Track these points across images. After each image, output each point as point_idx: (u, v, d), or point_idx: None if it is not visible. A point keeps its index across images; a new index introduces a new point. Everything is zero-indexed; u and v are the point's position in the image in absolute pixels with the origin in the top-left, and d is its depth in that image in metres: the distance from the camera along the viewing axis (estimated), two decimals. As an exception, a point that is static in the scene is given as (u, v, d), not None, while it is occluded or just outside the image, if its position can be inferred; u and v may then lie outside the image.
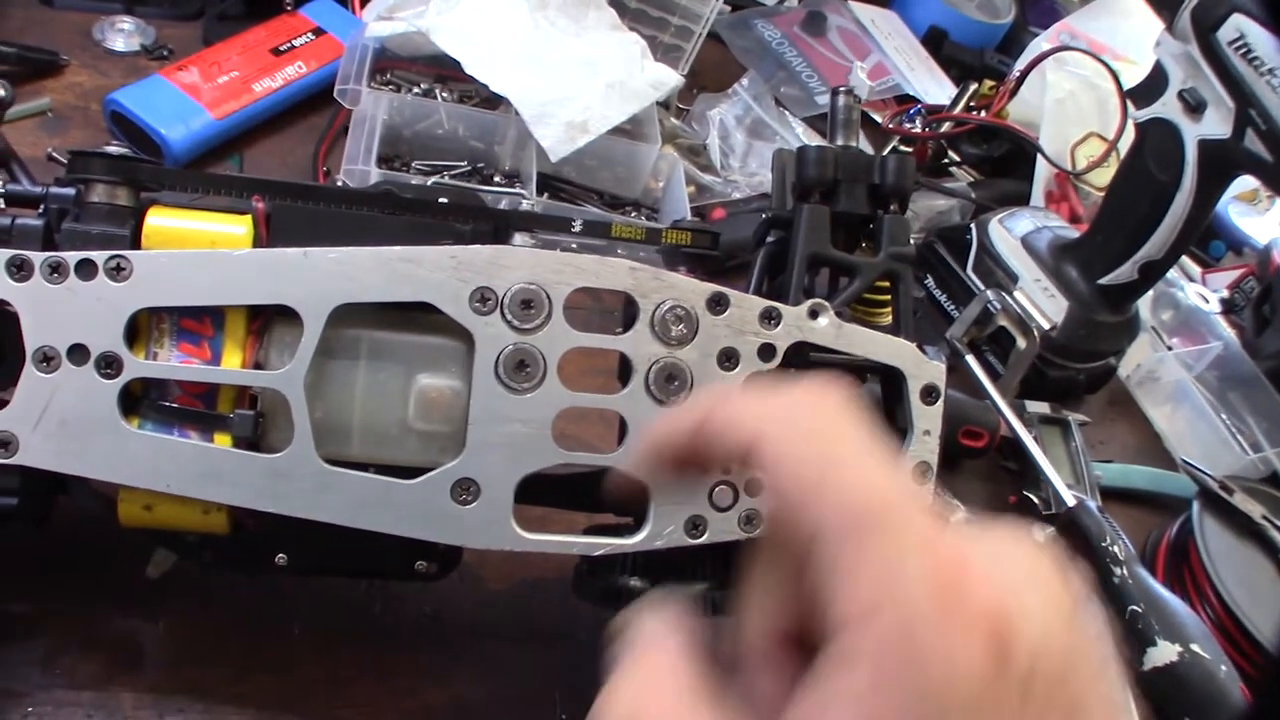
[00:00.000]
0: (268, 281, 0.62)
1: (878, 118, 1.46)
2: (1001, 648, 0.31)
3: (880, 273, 0.71)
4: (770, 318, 0.66)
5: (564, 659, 0.82)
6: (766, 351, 0.66)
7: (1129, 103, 1.07)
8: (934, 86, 1.54)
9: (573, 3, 1.21)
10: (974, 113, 1.44)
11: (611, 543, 0.67)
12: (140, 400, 0.63)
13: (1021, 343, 1.09)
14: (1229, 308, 1.39)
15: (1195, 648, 0.85)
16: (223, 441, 0.63)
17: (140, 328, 0.63)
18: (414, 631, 0.81)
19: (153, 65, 1.15)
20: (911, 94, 1.51)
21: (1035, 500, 1.04)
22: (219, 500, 0.63)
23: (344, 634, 0.79)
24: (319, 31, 1.20)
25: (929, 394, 0.69)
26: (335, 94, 1.12)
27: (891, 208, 0.72)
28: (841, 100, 0.75)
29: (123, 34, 1.17)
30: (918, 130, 1.42)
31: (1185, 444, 1.21)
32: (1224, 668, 0.85)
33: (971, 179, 1.43)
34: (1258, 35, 0.90)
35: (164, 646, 0.75)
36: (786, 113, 1.40)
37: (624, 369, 0.67)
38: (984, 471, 1.11)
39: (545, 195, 1.14)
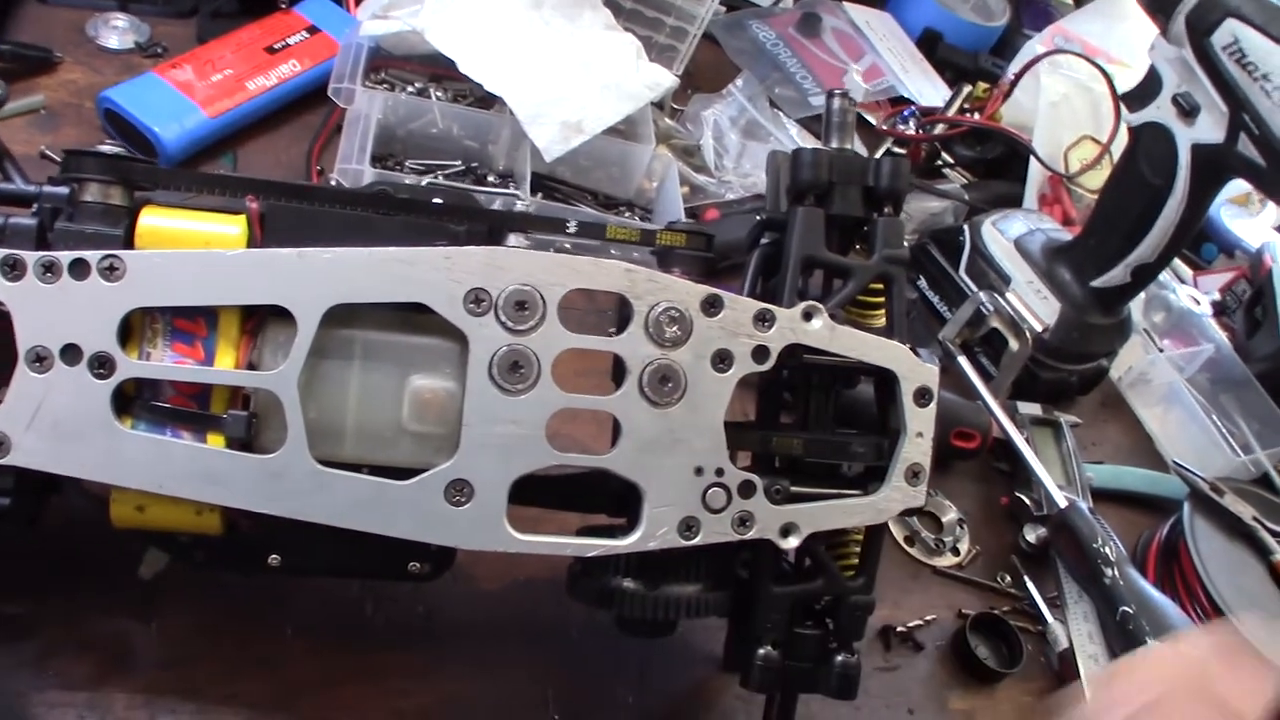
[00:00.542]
0: (261, 282, 0.62)
1: (872, 119, 1.46)
2: None
3: (874, 275, 0.71)
4: (764, 320, 0.66)
5: (557, 659, 0.83)
6: (760, 353, 0.67)
7: (1123, 106, 1.07)
8: (928, 88, 1.54)
9: (568, 2, 1.20)
10: (968, 115, 1.44)
11: (605, 544, 0.67)
12: (133, 400, 0.63)
13: (1014, 344, 1.09)
14: (1221, 310, 1.40)
15: (1186, 649, 0.85)
16: (216, 442, 0.63)
17: (133, 328, 0.63)
18: (406, 631, 0.81)
19: (146, 63, 1.14)
20: (906, 96, 1.52)
21: (1027, 501, 1.05)
22: (212, 501, 0.63)
23: (336, 634, 0.79)
24: (313, 30, 1.20)
25: (922, 396, 0.69)
26: (329, 93, 1.12)
27: (886, 210, 0.72)
28: (836, 103, 0.75)
29: (117, 31, 1.17)
30: (912, 132, 1.42)
31: (1176, 445, 1.22)
32: (1214, 669, 0.85)
33: (965, 181, 1.44)
34: (1252, 40, 0.91)
35: (156, 647, 0.75)
36: (781, 114, 1.40)
37: (618, 370, 0.67)
38: (976, 472, 1.11)
39: (539, 195, 1.14)
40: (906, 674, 0.92)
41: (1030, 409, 1.14)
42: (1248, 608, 0.96)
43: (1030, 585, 1.01)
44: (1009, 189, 1.40)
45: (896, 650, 0.94)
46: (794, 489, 0.69)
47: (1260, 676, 0.59)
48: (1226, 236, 1.49)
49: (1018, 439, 1.02)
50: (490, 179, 1.15)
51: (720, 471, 0.66)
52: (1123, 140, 1.09)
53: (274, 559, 0.69)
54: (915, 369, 0.69)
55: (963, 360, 1.06)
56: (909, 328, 0.72)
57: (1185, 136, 0.99)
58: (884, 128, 1.43)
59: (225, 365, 0.63)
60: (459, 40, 1.11)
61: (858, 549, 0.74)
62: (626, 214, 1.20)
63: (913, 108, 1.47)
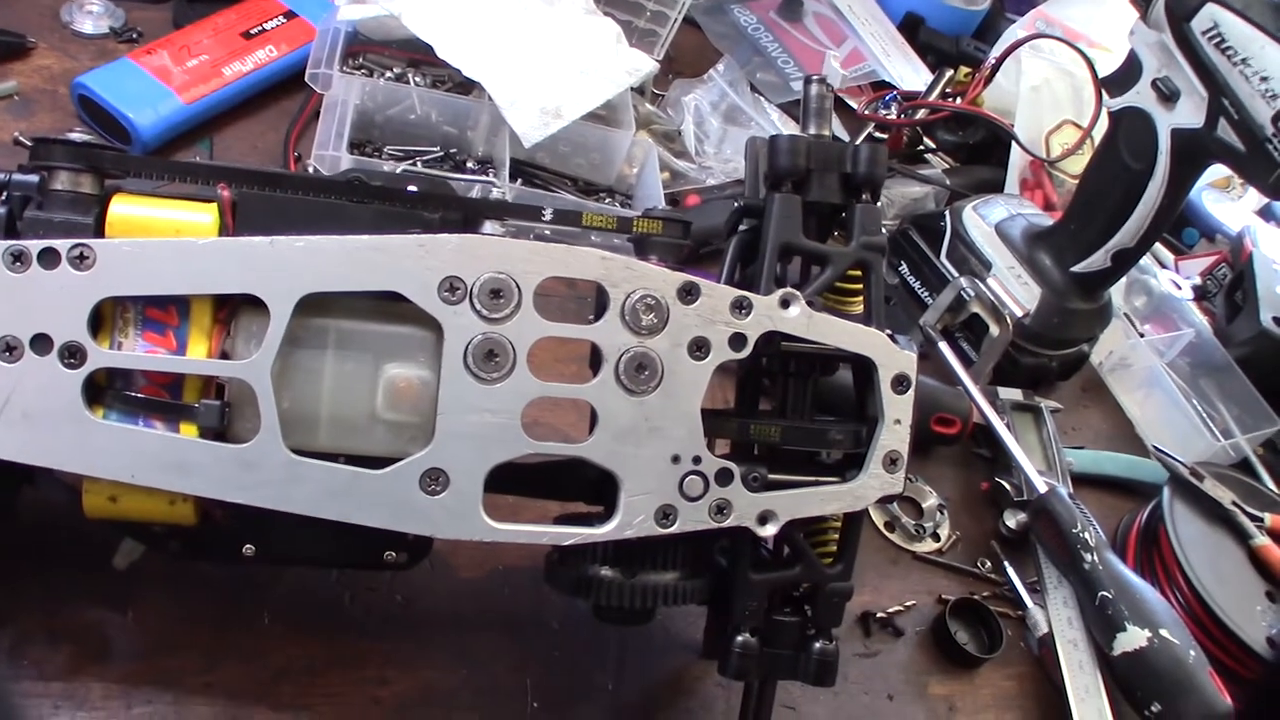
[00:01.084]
0: (234, 270, 0.61)
1: (853, 104, 1.46)
2: None
3: (852, 262, 0.71)
4: (741, 307, 0.66)
5: (536, 647, 0.83)
6: (737, 341, 0.66)
7: (1103, 91, 1.07)
8: (910, 73, 1.54)
9: (547, -13, 1.20)
10: (949, 99, 1.44)
11: (582, 532, 0.67)
12: (105, 390, 0.62)
13: (994, 330, 1.10)
14: (1201, 295, 1.40)
15: (1164, 633, 0.85)
16: (189, 432, 0.63)
17: (104, 317, 0.62)
18: (385, 620, 0.81)
19: (122, 48, 1.13)
20: (887, 80, 1.51)
21: (1007, 486, 1.05)
22: (185, 491, 0.63)
23: (314, 623, 0.79)
24: (290, 15, 1.19)
25: (899, 383, 0.69)
26: (307, 78, 1.11)
27: (864, 197, 0.72)
28: (814, 89, 0.74)
29: (91, 16, 1.16)
30: (893, 117, 1.42)
31: (1156, 430, 1.22)
32: (1193, 653, 0.85)
33: (946, 166, 1.44)
34: (1231, 25, 0.91)
35: (132, 637, 0.75)
36: (762, 99, 1.40)
37: (595, 358, 0.66)
38: (956, 458, 1.12)
39: (519, 181, 1.13)
40: (886, 660, 0.92)
41: (1011, 394, 1.14)
42: (1227, 593, 0.97)
43: (1010, 570, 1.02)
44: (990, 174, 1.40)
45: (876, 636, 0.94)
46: (772, 476, 0.69)
47: None
48: (1207, 221, 1.50)
49: (998, 424, 1.02)
50: (469, 165, 1.15)
51: (698, 459, 0.66)
52: (1103, 125, 1.09)
53: (249, 549, 0.68)
54: (893, 356, 0.69)
55: (943, 346, 1.06)
56: (889, 314, 0.72)
57: (1165, 121, 0.99)
58: (865, 113, 1.43)
59: (198, 354, 0.63)
60: (437, 25, 1.10)
61: (836, 536, 0.74)
62: (607, 200, 1.20)
63: (894, 92, 1.47)
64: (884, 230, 0.72)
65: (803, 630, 0.73)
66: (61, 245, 0.59)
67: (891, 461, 0.70)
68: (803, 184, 0.71)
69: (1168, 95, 0.98)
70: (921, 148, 1.45)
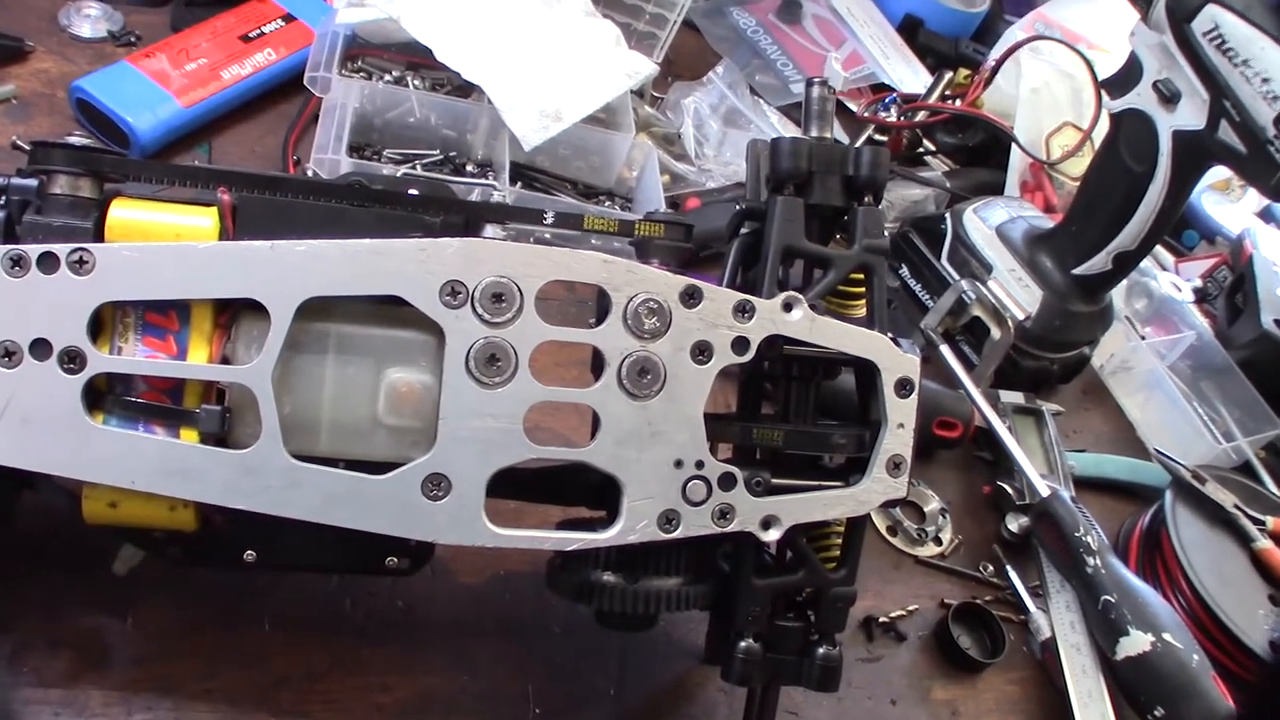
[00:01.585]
0: (234, 275, 0.61)
1: (853, 106, 1.46)
2: None
3: (854, 265, 0.70)
4: (744, 311, 0.66)
5: (538, 653, 0.82)
6: (740, 344, 0.66)
7: (1104, 93, 1.06)
8: (909, 75, 1.54)
9: (546, -11, 1.20)
10: (949, 102, 1.43)
11: (584, 537, 0.66)
12: (105, 396, 0.62)
13: (996, 333, 1.09)
14: (1202, 297, 1.40)
15: (1168, 637, 0.85)
16: (189, 437, 0.62)
17: (104, 322, 0.62)
18: (386, 626, 0.81)
19: (120, 52, 1.13)
20: (887, 82, 1.51)
21: (1009, 490, 1.05)
22: (185, 497, 0.63)
23: (315, 628, 0.79)
24: (289, 18, 1.19)
25: (903, 387, 0.69)
26: (305, 82, 1.10)
27: (866, 200, 0.71)
28: (815, 91, 0.74)
29: (89, 20, 1.15)
30: (893, 119, 1.42)
31: (1158, 433, 1.22)
32: (1196, 657, 0.85)
33: (946, 168, 1.43)
34: (1232, 26, 0.90)
35: (132, 643, 0.75)
36: (761, 101, 1.39)
37: (596, 362, 0.66)
38: (958, 461, 1.11)
39: (518, 184, 1.13)
40: (889, 664, 0.92)
41: (1012, 397, 1.14)
42: (1229, 596, 0.97)
43: (1013, 574, 1.01)
44: (991, 176, 1.39)
45: (879, 641, 0.93)
46: (775, 481, 0.68)
47: None
48: (1207, 223, 1.50)
49: (1000, 428, 1.02)
50: (469, 168, 1.14)
51: (700, 464, 0.66)
52: (1104, 127, 1.09)
53: (250, 555, 0.68)
54: (896, 359, 0.69)
55: (945, 349, 1.06)
56: (890, 317, 0.72)
57: (1166, 123, 0.99)
58: (865, 115, 1.43)
59: (198, 360, 0.62)
60: (436, 28, 1.10)
61: (839, 540, 0.74)
62: (606, 203, 1.19)
63: (894, 95, 1.47)
64: (886, 233, 0.72)
65: (806, 635, 0.73)
66: (61, 250, 0.59)
67: (895, 465, 0.69)
68: (805, 187, 0.71)
69: (1168, 97, 0.97)
70: (921, 150, 1.45)
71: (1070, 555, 0.92)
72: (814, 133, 0.74)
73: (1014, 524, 1.04)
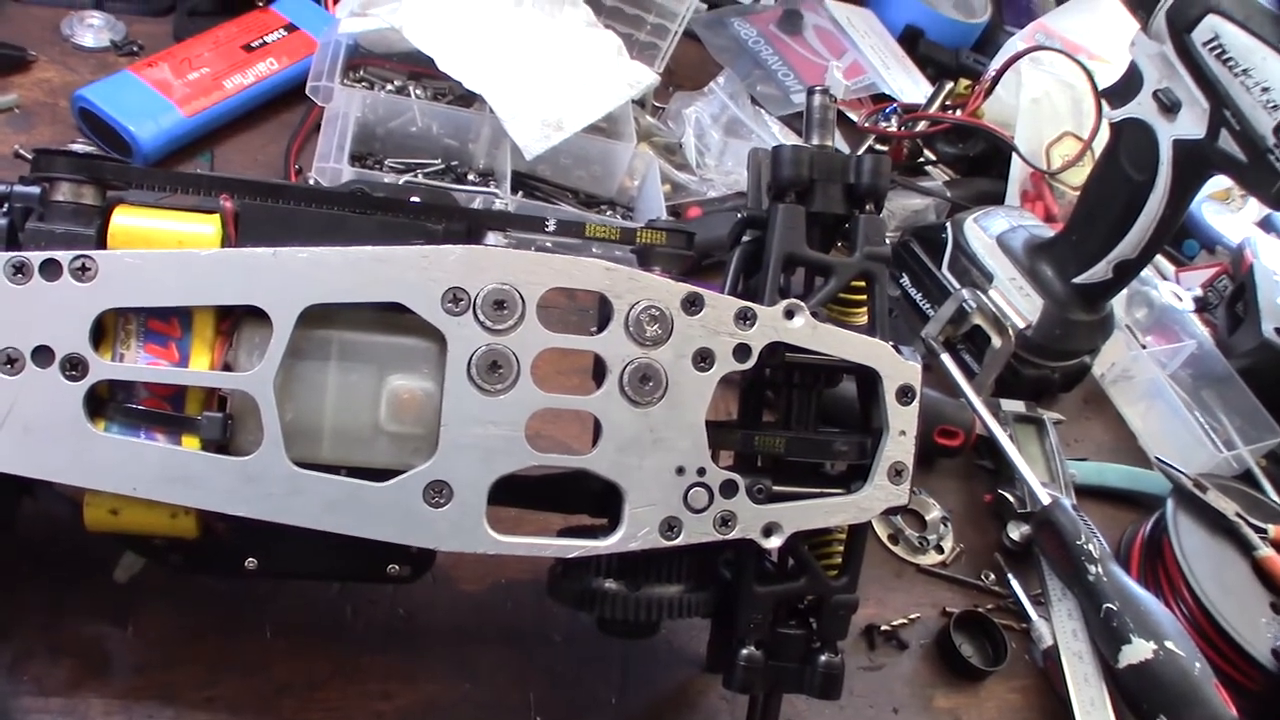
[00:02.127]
0: (236, 282, 0.61)
1: (854, 116, 1.46)
2: None
3: (856, 272, 0.70)
4: (745, 318, 0.66)
5: (539, 660, 0.82)
6: (741, 352, 0.66)
7: (1104, 102, 1.07)
8: (910, 85, 1.54)
9: None
10: (949, 112, 1.44)
11: (586, 545, 0.66)
12: (106, 402, 0.62)
13: (997, 341, 1.09)
14: (1202, 306, 1.40)
15: (1170, 645, 0.85)
16: (191, 444, 0.62)
17: (106, 329, 0.62)
18: (387, 633, 0.80)
19: (122, 61, 1.13)
20: (887, 93, 1.52)
21: (1010, 499, 1.05)
22: (187, 504, 0.62)
23: (316, 636, 0.79)
24: (291, 28, 1.19)
25: (904, 394, 0.69)
26: (308, 91, 1.11)
27: (867, 207, 0.72)
28: (817, 100, 0.74)
29: (92, 29, 1.16)
30: (893, 129, 1.42)
31: (1159, 442, 1.22)
32: (1198, 665, 0.85)
33: (947, 178, 1.44)
34: (1232, 36, 0.91)
35: (133, 651, 0.74)
36: (762, 111, 1.40)
37: (598, 369, 0.66)
38: (960, 470, 1.11)
39: (520, 194, 1.13)
40: (891, 673, 0.92)
41: (1013, 406, 1.14)
42: (1231, 604, 0.96)
43: (1014, 583, 1.01)
44: (991, 186, 1.40)
45: (881, 649, 0.93)
46: (776, 488, 0.68)
47: None
48: (1208, 232, 1.50)
49: (1001, 436, 1.02)
50: (470, 177, 1.15)
51: (702, 471, 0.66)
52: (1104, 137, 1.09)
53: (251, 562, 0.68)
54: (898, 367, 0.69)
55: (946, 358, 1.06)
56: (892, 326, 0.72)
57: (1166, 132, 0.99)
58: (866, 125, 1.43)
59: (200, 366, 0.63)
60: (438, 38, 1.10)
61: (841, 548, 0.74)
62: (608, 212, 1.20)
63: (894, 105, 1.47)
64: (887, 241, 0.72)
65: (808, 643, 0.73)
66: (63, 257, 0.59)
67: (896, 473, 0.69)
68: (806, 194, 0.71)
69: (1169, 106, 0.98)
70: (922, 160, 1.45)
71: (1072, 563, 0.92)
72: (815, 141, 0.74)
73: (1015, 532, 1.04)
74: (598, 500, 0.70)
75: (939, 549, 1.03)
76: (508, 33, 1.15)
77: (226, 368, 0.63)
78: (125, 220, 0.63)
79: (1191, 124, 0.97)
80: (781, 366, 0.70)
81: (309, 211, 0.66)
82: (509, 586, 0.85)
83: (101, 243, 0.62)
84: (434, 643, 0.81)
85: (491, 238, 0.69)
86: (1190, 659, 0.85)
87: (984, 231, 1.20)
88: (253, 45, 1.16)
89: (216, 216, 0.64)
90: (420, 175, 1.12)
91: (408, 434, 0.64)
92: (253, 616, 0.78)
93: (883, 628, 0.94)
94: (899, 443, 0.69)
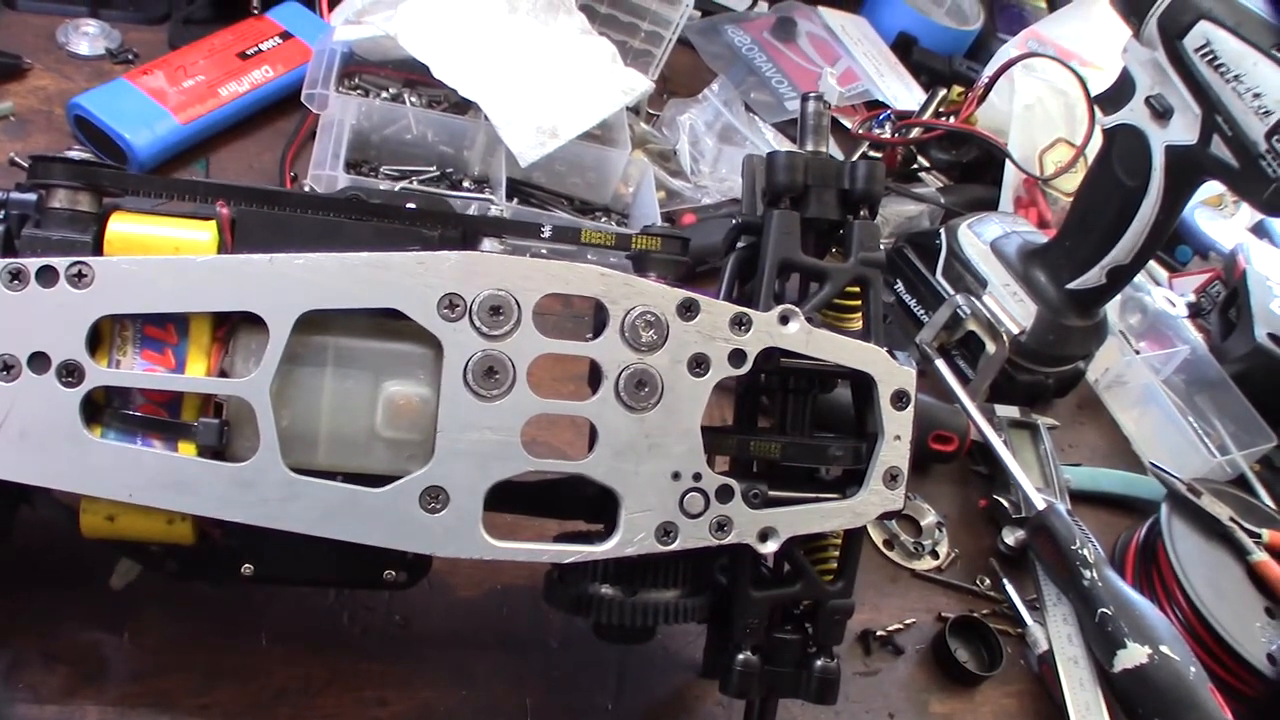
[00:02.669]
0: (232, 288, 0.61)
1: (847, 123, 1.47)
2: None
3: (850, 278, 0.71)
4: (741, 323, 0.66)
5: (535, 667, 0.82)
6: (737, 357, 0.66)
7: (1096, 109, 1.07)
8: (903, 92, 1.55)
9: (543, 7, 1.20)
10: (943, 118, 1.44)
11: (582, 550, 0.66)
12: (103, 409, 0.62)
13: (991, 347, 1.10)
14: (1196, 312, 1.41)
15: (1164, 649, 0.85)
16: (187, 450, 0.62)
17: (102, 335, 0.62)
18: (383, 640, 0.80)
19: (117, 69, 1.13)
20: (881, 99, 1.52)
21: (1005, 504, 1.05)
22: (183, 510, 0.63)
23: (312, 642, 0.79)
24: (286, 35, 1.20)
25: (899, 399, 0.69)
26: (303, 98, 1.11)
27: (861, 213, 0.72)
28: (811, 106, 0.75)
29: (87, 37, 1.16)
30: (887, 136, 1.42)
31: (1153, 447, 1.22)
32: (1193, 669, 0.85)
33: (941, 184, 1.44)
34: (1224, 42, 0.91)
35: (129, 658, 0.74)
36: (756, 118, 1.40)
37: (594, 375, 0.66)
38: (954, 475, 1.11)
39: (515, 200, 1.14)
40: (886, 678, 0.92)
41: (1008, 411, 1.14)
42: (1226, 609, 0.97)
43: (1009, 588, 1.01)
44: (985, 192, 1.40)
45: (876, 654, 0.93)
46: (772, 493, 0.68)
47: None
48: (1200, 238, 1.50)
49: (995, 442, 1.02)
50: (465, 184, 1.15)
51: (698, 476, 0.66)
52: (1097, 143, 1.09)
53: (247, 568, 0.68)
54: (892, 372, 0.69)
55: (940, 363, 1.06)
56: (886, 332, 0.72)
57: (1159, 138, 0.99)
58: (859, 132, 1.43)
59: (196, 373, 0.63)
60: (433, 45, 1.11)
61: (836, 553, 0.74)
62: (602, 219, 1.20)
63: (888, 111, 1.47)
64: (881, 246, 0.72)
65: (804, 648, 0.73)
66: (60, 263, 0.59)
67: (892, 478, 0.69)
68: (801, 200, 0.71)
69: (1161, 112, 0.98)
70: (916, 166, 1.46)
71: (1067, 568, 0.93)
72: (810, 147, 0.74)
73: (1010, 537, 1.04)
74: (593, 506, 0.70)
75: (934, 554, 1.03)
76: (502, 40, 1.16)
77: (223, 374, 0.63)
78: (121, 227, 0.63)
79: (1183, 130, 0.97)
80: (777, 372, 0.70)
81: (305, 218, 0.66)
82: (505, 592, 0.85)
83: (98, 249, 0.62)
84: (430, 649, 0.81)
85: (487, 244, 0.69)
86: (1185, 663, 0.85)
87: (978, 237, 1.20)
88: (248, 53, 1.16)
89: (213, 223, 0.64)
90: (415, 182, 1.12)
91: (404, 440, 0.64)
92: (249, 623, 0.78)
93: (878, 633, 0.94)
94: (894, 448, 0.69)
